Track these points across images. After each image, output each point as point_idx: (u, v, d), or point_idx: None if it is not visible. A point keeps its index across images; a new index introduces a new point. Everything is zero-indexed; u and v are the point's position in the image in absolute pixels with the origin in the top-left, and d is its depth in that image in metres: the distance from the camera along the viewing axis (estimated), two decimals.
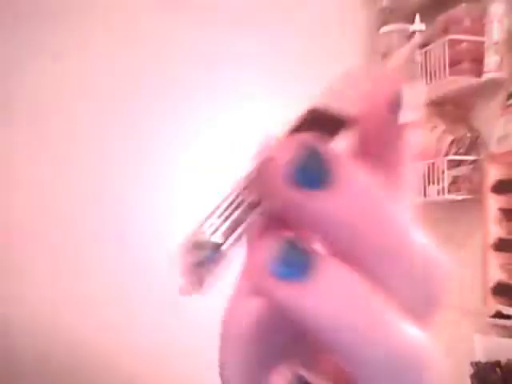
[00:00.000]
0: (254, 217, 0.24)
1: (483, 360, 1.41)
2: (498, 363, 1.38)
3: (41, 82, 1.86)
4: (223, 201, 0.24)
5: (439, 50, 1.76)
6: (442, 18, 1.83)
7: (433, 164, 1.83)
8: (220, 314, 0.30)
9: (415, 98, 0.25)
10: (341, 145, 0.25)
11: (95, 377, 1.86)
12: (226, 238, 0.24)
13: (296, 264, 0.22)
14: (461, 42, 1.71)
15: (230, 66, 2.04)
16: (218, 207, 0.24)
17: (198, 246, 0.24)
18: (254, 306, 0.27)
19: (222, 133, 2.03)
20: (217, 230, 0.24)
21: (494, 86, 1.71)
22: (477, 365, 1.42)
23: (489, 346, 1.40)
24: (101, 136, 1.92)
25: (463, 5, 1.76)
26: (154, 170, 1.97)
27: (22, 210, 1.83)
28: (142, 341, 1.92)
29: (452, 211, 1.97)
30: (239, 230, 0.24)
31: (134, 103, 1.95)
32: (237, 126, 2.05)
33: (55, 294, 1.85)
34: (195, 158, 2.00)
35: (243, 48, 2.05)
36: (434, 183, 1.83)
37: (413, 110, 0.25)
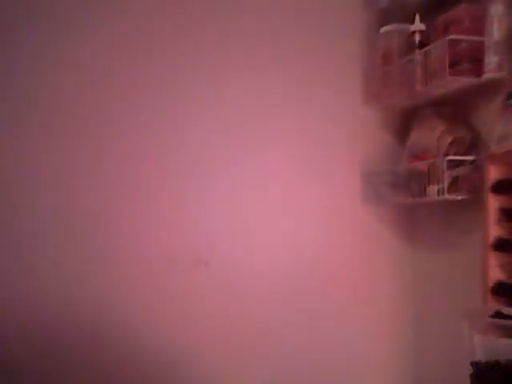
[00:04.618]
0: None
1: (483, 360, 1.40)
2: (497, 363, 1.38)
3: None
4: None
5: (439, 50, 1.75)
6: (441, 18, 1.83)
7: (433, 164, 1.83)
8: None
9: None
10: None
11: None
12: None
13: None
14: (461, 42, 1.71)
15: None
16: None
17: None
18: None
19: None
20: None
21: (494, 86, 1.71)
22: (477, 365, 1.42)
23: (489, 346, 1.40)
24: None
25: (463, 5, 1.75)
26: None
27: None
28: None
29: (452, 211, 1.97)
30: None
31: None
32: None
33: None
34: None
35: (241, 49, 2.06)
36: (434, 183, 1.82)
37: None
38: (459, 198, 1.79)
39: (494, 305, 1.60)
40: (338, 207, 2.16)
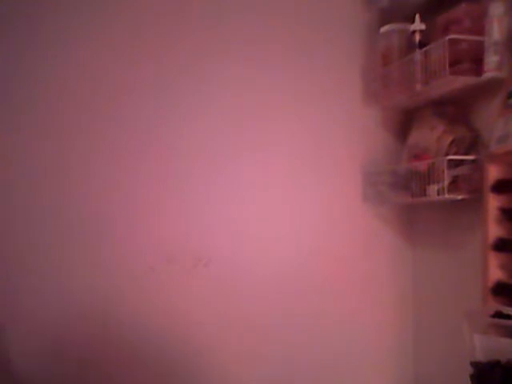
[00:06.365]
0: None
1: (483, 360, 1.40)
2: (497, 363, 1.38)
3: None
4: None
5: (439, 50, 1.75)
6: (442, 18, 1.82)
7: (433, 164, 1.83)
8: None
9: None
10: None
11: None
12: None
13: None
14: (461, 41, 1.71)
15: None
16: None
17: None
18: None
19: None
20: None
21: (493, 85, 1.71)
22: (477, 365, 1.42)
23: (489, 346, 1.40)
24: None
25: (463, 5, 1.75)
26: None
27: None
28: None
29: (452, 211, 1.97)
30: None
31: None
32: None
33: None
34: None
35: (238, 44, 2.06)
36: (434, 183, 1.82)
37: None
38: (459, 197, 1.79)
39: (494, 305, 1.60)
40: (338, 207, 2.16)
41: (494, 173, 1.65)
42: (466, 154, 1.81)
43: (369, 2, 2.15)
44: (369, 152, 2.18)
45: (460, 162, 1.78)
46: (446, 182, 1.77)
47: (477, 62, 1.70)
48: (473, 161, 1.79)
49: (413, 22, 1.92)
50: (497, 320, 1.43)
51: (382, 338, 2.21)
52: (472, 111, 1.87)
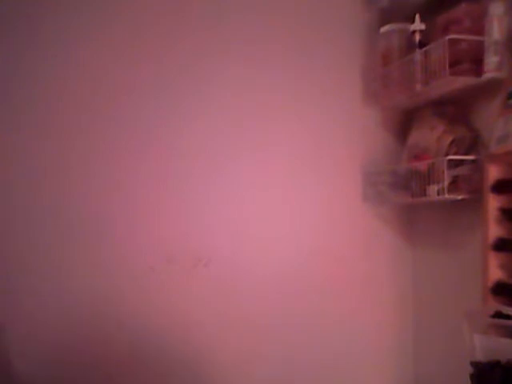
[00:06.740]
0: None
1: (483, 360, 1.40)
2: (497, 363, 1.38)
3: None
4: None
5: (439, 50, 1.75)
6: (442, 18, 1.83)
7: (433, 164, 1.83)
8: None
9: None
10: None
11: None
12: None
13: None
14: (461, 41, 1.71)
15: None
16: None
17: None
18: None
19: None
20: None
21: (494, 85, 1.71)
22: (477, 365, 1.42)
23: (489, 346, 1.40)
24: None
25: (463, 5, 1.75)
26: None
27: None
28: None
29: (452, 211, 1.97)
30: None
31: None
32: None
33: None
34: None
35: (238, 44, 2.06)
36: (434, 183, 1.82)
37: None
38: (459, 197, 1.79)
39: (494, 305, 1.60)
40: (338, 207, 2.16)
41: (493, 173, 1.65)
42: (466, 154, 1.81)
43: (369, 1, 2.15)
44: (369, 152, 2.18)
45: (460, 162, 1.78)
46: (446, 183, 1.77)
47: (477, 62, 1.70)
48: (473, 161, 1.79)
49: (413, 22, 1.92)
50: (497, 320, 1.43)
51: (381, 338, 2.21)
52: (472, 111, 1.87)
